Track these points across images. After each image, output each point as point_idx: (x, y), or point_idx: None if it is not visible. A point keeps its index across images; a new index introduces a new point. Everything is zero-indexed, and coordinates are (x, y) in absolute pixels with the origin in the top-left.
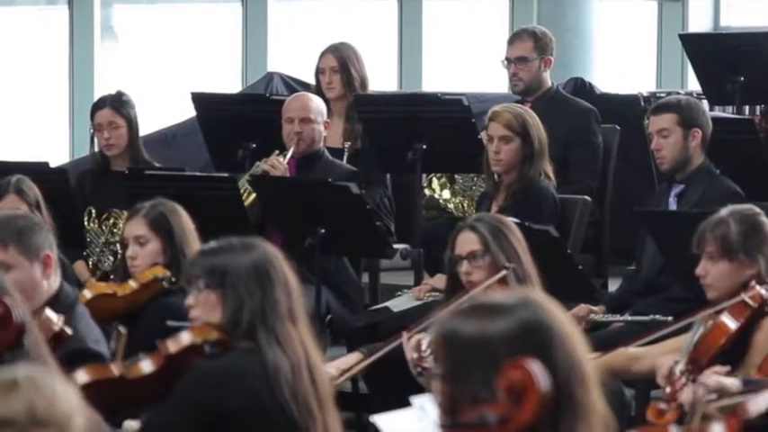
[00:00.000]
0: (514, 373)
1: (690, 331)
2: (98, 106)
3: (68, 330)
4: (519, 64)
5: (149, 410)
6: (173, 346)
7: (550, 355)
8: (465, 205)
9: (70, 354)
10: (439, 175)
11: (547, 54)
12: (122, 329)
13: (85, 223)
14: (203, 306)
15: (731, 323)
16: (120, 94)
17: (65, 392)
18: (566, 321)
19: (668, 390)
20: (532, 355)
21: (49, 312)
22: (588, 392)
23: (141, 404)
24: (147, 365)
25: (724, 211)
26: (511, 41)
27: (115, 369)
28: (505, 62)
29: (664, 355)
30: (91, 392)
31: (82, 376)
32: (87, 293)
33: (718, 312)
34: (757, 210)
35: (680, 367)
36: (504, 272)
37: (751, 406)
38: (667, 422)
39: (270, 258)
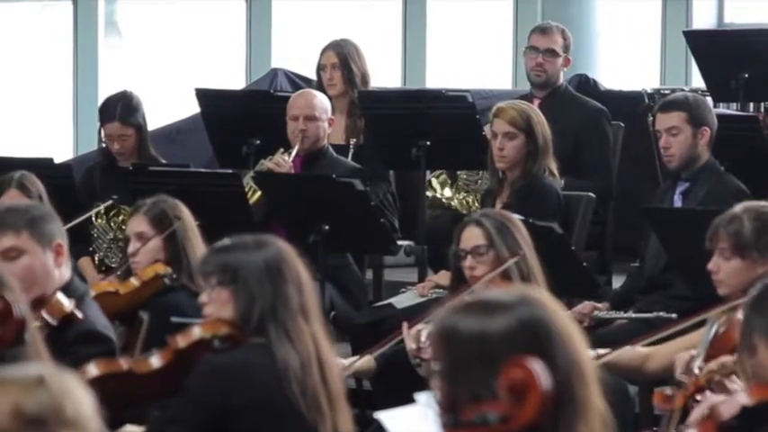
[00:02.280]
0: (516, 371)
1: (705, 328)
2: (106, 117)
3: (79, 314)
4: (547, 56)
5: (158, 405)
6: (182, 340)
7: (550, 353)
8: (469, 201)
9: (81, 335)
10: (437, 173)
11: (568, 53)
12: (144, 315)
13: (93, 219)
14: (215, 303)
15: None
16: (127, 100)
17: (84, 393)
18: (565, 319)
19: (685, 384)
20: (532, 353)
21: (61, 296)
22: (588, 390)
23: (150, 399)
24: (155, 360)
25: (738, 208)
26: (542, 32)
27: (124, 363)
28: (530, 51)
29: (680, 352)
30: (100, 386)
31: (92, 370)
32: (90, 292)
33: (732, 309)
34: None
35: (698, 363)
36: (511, 261)
37: (724, 409)
38: (675, 407)
39: (282, 255)
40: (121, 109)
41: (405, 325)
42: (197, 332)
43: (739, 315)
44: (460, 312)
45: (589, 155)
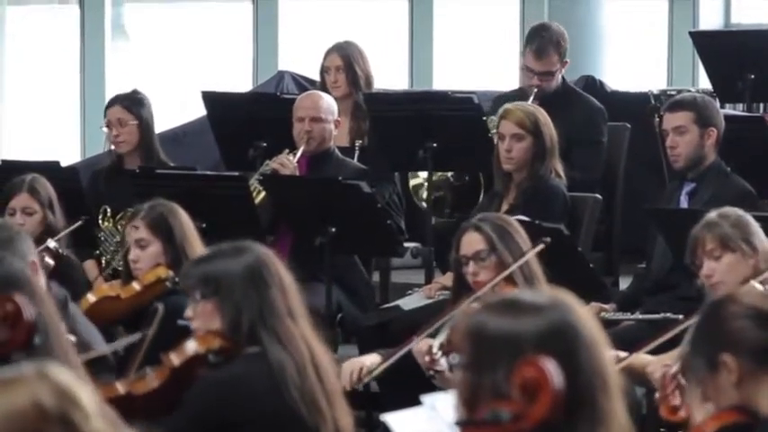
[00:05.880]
0: (528, 370)
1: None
2: (109, 103)
3: (72, 337)
4: (544, 77)
5: (158, 424)
6: (176, 358)
7: (575, 358)
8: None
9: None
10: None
11: (565, 57)
12: (160, 306)
13: (100, 222)
14: (202, 316)
15: None
16: (134, 93)
17: (82, 382)
18: (594, 327)
19: (658, 396)
20: (557, 356)
21: None
22: (610, 400)
23: (150, 418)
24: (152, 380)
25: (710, 215)
26: (537, 56)
27: (121, 387)
28: (526, 70)
29: (656, 362)
30: None
31: None
32: (91, 297)
33: None
34: (739, 211)
35: (674, 370)
36: (541, 245)
37: None
38: (682, 419)
39: (262, 260)
40: (125, 97)
41: (414, 339)
42: (191, 348)
43: None
44: (491, 310)
45: (580, 152)
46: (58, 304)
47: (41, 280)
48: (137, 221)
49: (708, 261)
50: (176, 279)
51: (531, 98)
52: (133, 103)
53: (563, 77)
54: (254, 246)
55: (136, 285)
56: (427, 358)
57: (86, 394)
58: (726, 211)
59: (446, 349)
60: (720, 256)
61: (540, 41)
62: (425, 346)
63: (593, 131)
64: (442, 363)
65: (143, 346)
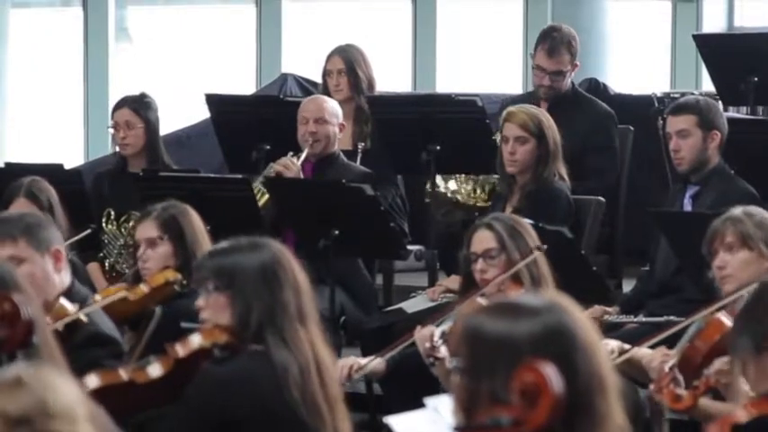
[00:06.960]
0: (528, 375)
1: (689, 330)
2: (118, 105)
3: (84, 317)
4: (555, 76)
5: (159, 414)
6: (181, 349)
7: (572, 360)
8: (477, 191)
9: (88, 339)
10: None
11: (575, 59)
12: (157, 309)
13: (104, 225)
14: (213, 308)
15: (727, 320)
16: (142, 96)
17: (66, 385)
18: (590, 329)
19: (653, 386)
20: (554, 358)
21: (64, 301)
22: (608, 402)
23: (151, 407)
24: (155, 369)
25: (735, 210)
26: (549, 54)
27: (124, 374)
28: (537, 69)
29: (656, 352)
30: (101, 397)
31: (92, 381)
32: (98, 298)
33: (720, 309)
34: (765, 213)
35: (670, 363)
36: (533, 255)
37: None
38: (685, 407)
39: (278, 258)
40: (133, 99)
41: (417, 328)
42: (196, 341)
43: (719, 315)
44: (488, 313)
45: (594, 158)
46: (80, 302)
47: (66, 270)
48: (149, 221)
49: (723, 253)
50: (184, 282)
51: (542, 101)
52: (141, 105)
53: (572, 82)
54: (272, 243)
55: (144, 287)
56: (427, 344)
57: (66, 402)
58: (751, 210)
59: (448, 338)
60: (737, 251)
61: (552, 41)
62: (428, 332)
63: (604, 137)
64: (443, 351)
65: (140, 347)
